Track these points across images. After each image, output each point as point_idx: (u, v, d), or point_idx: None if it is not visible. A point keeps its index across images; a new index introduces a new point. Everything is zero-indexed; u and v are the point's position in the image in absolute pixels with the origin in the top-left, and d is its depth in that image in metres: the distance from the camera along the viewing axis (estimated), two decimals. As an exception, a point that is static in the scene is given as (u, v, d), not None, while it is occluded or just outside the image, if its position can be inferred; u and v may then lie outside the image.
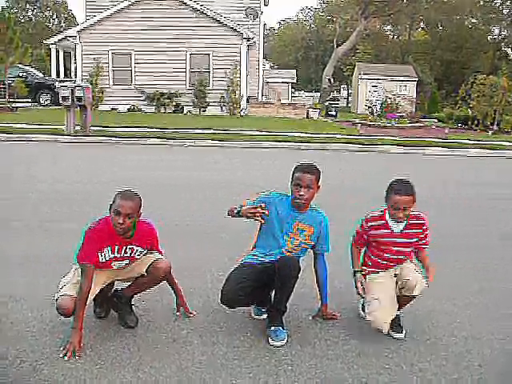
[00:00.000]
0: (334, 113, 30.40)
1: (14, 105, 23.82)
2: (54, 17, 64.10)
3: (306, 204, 3.85)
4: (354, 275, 3.98)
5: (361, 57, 48.29)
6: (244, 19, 27.88)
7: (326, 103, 34.02)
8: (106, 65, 25.97)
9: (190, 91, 25.95)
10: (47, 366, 3.26)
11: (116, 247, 3.65)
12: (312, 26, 69.51)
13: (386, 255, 3.91)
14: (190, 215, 7.23)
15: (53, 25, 63.03)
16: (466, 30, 48.12)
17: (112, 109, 25.55)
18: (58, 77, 29.69)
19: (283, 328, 3.76)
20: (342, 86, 61.38)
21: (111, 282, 3.95)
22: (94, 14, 26.50)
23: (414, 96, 36.39)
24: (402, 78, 36.97)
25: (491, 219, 7.81)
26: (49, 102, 26.91)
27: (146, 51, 25.67)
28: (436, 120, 29.61)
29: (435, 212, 7.89)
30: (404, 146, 16.52)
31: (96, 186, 8.95)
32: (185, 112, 25.83)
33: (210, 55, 25.91)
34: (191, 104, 25.98)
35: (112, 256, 3.67)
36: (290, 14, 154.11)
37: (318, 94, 43.88)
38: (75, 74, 27.69)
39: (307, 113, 27.24)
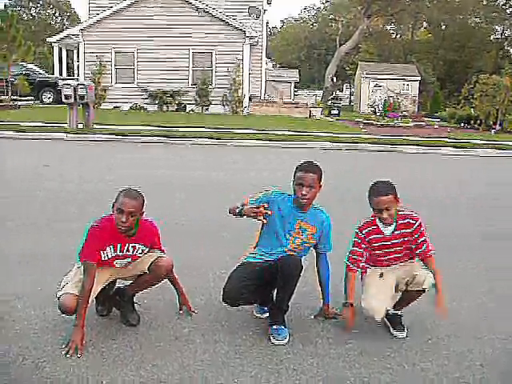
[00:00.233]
0: (336, 112, 30.40)
1: (16, 103, 23.85)
2: (57, 15, 64.22)
3: (309, 203, 3.85)
4: (345, 305, 3.90)
5: (363, 56, 48.31)
6: (247, 18, 27.86)
7: (329, 102, 34.02)
8: (109, 63, 25.99)
9: (193, 90, 25.96)
10: (49, 364, 3.27)
11: (118, 245, 3.65)
12: (315, 25, 69.54)
13: (382, 258, 3.94)
14: (191, 214, 7.23)
15: (56, 23, 63.16)
16: (469, 29, 48.07)
17: (114, 107, 25.57)
18: (61, 75, 29.73)
19: (285, 327, 3.76)
20: (345, 85, 61.33)
21: (113, 280, 3.96)
22: (96, 12, 26.50)
23: (417, 95, 36.40)
24: (404, 77, 36.98)
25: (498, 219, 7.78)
26: (51, 100, 26.93)
27: (149, 49, 25.68)
28: (439, 119, 29.63)
29: (439, 212, 7.91)
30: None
31: (99, 184, 8.96)
32: (187, 110, 25.84)
33: (213, 54, 25.91)
34: (194, 102, 25.99)
35: (114, 254, 3.68)
36: (292, 12, 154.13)
37: (321, 92, 43.85)
38: (78, 72, 27.73)
39: (310, 112, 27.24)
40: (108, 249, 3.63)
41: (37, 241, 5.75)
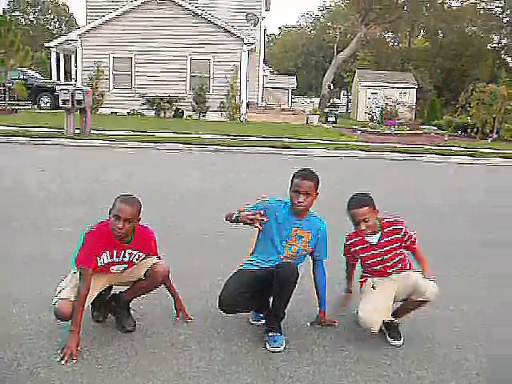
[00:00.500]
0: (333, 119, 30.45)
1: (14, 107, 23.83)
2: (55, 20, 64.27)
3: (305, 210, 3.86)
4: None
5: (361, 63, 48.38)
6: (245, 25, 27.93)
7: (326, 109, 34.07)
8: (107, 68, 26.03)
9: (190, 96, 25.99)
10: (44, 370, 3.25)
11: (115, 251, 3.64)
12: (312, 32, 69.70)
13: (375, 268, 3.97)
14: (187, 221, 7.23)
15: (54, 28, 63.22)
16: (466, 37, 48.20)
17: (112, 112, 25.58)
18: (59, 80, 29.73)
19: (281, 334, 3.76)
20: (342, 93, 61.46)
21: (109, 286, 3.95)
22: (95, 17, 26.55)
23: (414, 103, 36.45)
24: (401, 85, 37.04)
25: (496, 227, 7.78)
26: (49, 105, 26.93)
27: (147, 55, 25.73)
28: (435, 127, 29.69)
29: (436, 219, 7.92)
30: (404, 152, 16.52)
31: (96, 189, 8.94)
32: (185, 117, 25.86)
33: (211, 60, 25.97)
34: (191, 109, 26.02)
35: (110, 260, 3.67)
36: (290, 20, 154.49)
37: (318, 100, 43.93)
38: (75, 78, 27.74)
39: (307, 119, 27.29)
40: (104, 254, 3.62)
41: (35, 243, 5.74)
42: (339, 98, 59.59)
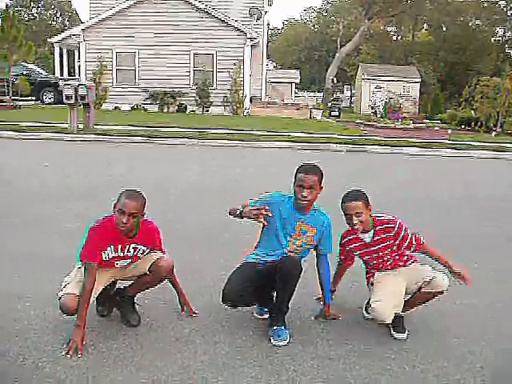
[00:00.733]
0: (337, 113, 30.40)
1: (17, 103, 23.86)
2: (58, 15, 64.22)
3: (309, 205, 3.86)
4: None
5: (364, 57, 48.27)
6: (248, 19, 27.86)
7: (329, 103, 34.02)
8: (110, 63, 25.99)
9: (194, 91, 25.96)
10: (49, 364, 3.27)
11: (119, 246, 3.65)
12: (316, 26, 69.51)
13: (373, 262, 4.01)
14: (191, 215, 7.24)
15: (57, 23, 63.17)
16: (469, 31, 48.02)
17: (115, 107, 25.59)
18: (62, 75, 29.74)
19: (285, 328, 3.76)
20: (346, 87, 61.33)
21: (114, 281, 3.96)
22: (98, 12, 26.51)
23: (418, 97, 36.35)
24: (405, 79, 36.92)
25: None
26: (52, 100, 26.95)
27: (150, 50, 25.68)
28: (439, 121, 29.62)
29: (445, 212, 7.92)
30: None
31: (100, 184, 8.96)
32: (188, 111, 25.85)
33: (214, 55, 25.92)
34: (194, 103, 26.00)
35: (115, 255, 3.68)
36: (293, 14, 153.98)
37: (322, 94, 43.84)
38: (79, 73, 27.74)
39: (310, 113, 27.24)
40: (109, 249, 3.63)
41: (35, 240, 5.75)
42: (342, 92, 59.50)
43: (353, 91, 51.02)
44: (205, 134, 16.68)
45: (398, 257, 3.96)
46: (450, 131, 22.09)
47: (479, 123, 24.32)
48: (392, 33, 56.67)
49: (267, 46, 31.24)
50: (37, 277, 4.63)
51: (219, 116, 24.26)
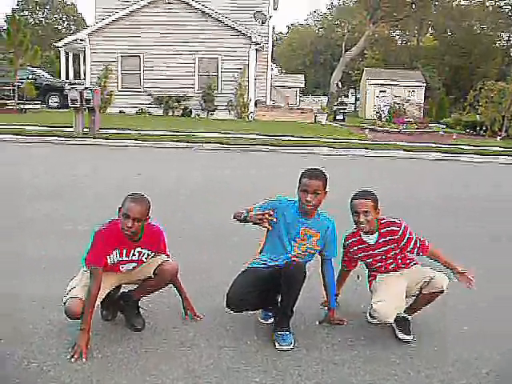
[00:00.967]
0: (341, 117, 30.41)
1: (23, 107, 23.93)
2: (64, 19, 64.47)
3: (313, 210, 3.86)
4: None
5: (369, 62, 48.30)
6: (253, 23, 27.91)
7: (334, 108, 34.02)
8: (115, 68, 26.07)
9: (199, 95, 26.00)
10: (54, 368, 3.27)
11: (124, 250, 3.66)
12: (320, 30, 69.58)
13: (376, 265, 4.02)
14: (195, 219, 7.24)
15: (62, 27, 63.43)
16: (474, 35, 48.01)
17: (120, 111, 25.64)
18: (67, 79, 29.83)
19: (290, 332, 3.76)
20: (350, 91, 61.31)
21: (118, 285, 3.96)
22: (103, 17, 26.60)
23: (422, 101, 36.34)
24: (410, 84, 36.95)
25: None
26: (58, 104, 27.03)
27: (155, 54, 25.75)
28: (444, 125, 29.59)
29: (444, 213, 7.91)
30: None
31: (106, 188, 8.97)
32: (193, 115, 25.89)
33: (219, 59, 25.96)
34: (199, 107, 26.04)
35: (120, 259, 3.69)
36: (298, 18, 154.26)
37: (326, 98, 43.86)
38: (84, 77, 27.82)
39: (315, 117, 27.25)
40: (114, 253, 3.64)
41: (41, 244, 5.76)
42: (347, 97, 59.44)
43: (357, 95, 51.04)
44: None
45: (400, 260, 3.97)
46: (454, 136, 22.06)
47: (484, 127, 24.28)
48: (397, 37, 56.70)
49: (272, 50, 31.25)
50: (42, 280, 4.63)
51: (226, 120, 24.27)
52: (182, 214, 7.45)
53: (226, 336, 3.82)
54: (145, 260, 3.80)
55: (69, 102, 15.79)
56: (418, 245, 3.94)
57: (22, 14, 52.83)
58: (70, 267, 4.11)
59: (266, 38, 28.16)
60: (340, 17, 59.50)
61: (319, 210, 3.93)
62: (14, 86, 23.53)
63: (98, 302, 3.62)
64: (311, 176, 3.80)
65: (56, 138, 15.41)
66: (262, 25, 28.19)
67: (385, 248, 3.92)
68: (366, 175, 11.65)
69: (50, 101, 27.43)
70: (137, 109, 25.81)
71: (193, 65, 26.08)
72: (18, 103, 23.77)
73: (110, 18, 25.77)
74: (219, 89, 26.05)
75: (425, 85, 37.64)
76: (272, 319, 3.96)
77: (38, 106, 26.84)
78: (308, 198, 3.76)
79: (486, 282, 5.19)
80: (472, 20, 48.48)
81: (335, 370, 3.43)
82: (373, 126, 24.89)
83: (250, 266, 3.97)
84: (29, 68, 26.66)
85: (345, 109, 33.70)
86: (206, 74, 26.02)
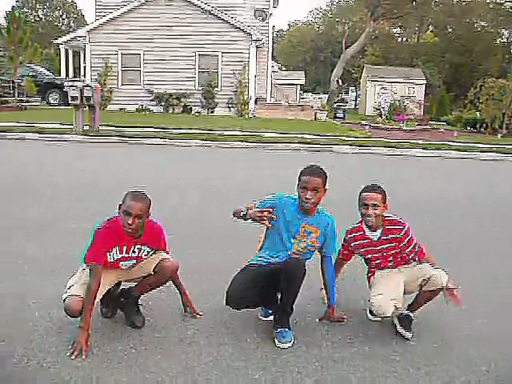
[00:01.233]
0: (341, 115, 30.40)
1: (23, 104, 23.94)
2: (64, 17, 64.47)
3: (313, 207, 3.86)
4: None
5: (369, 59, 48.26)
6: (253, 20, 27.88)
7: (334, 105, 34.02)
8: (115, 65, 26.07)
9: (199, 92, 26.00)
10: (54, 365, 3.27)
11: (124, 247, 3.66)
12: (321, 27, 69.48)
13: (376, 261, 4.04)
14: (197, 216, 7.24)
15: (62, 25, 63.41)
16: (475, 32, 47.97)
17: (120, 109, 25.64)
18: (67, 76, 29.84)
19: (289, 329, 3.76)
20: (351, 88, 61.28)
21: (118, 282, 3.96)
22: (103, 14, 26.61)
23: (423, 99, 36.32)
24: (410, 81, 36.92)
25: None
26: (58, 101, 27.04)
27: (155, 51, 25.75)
28: (444, 123, 29.57)
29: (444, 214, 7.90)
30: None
31: (105, 185, 8.97)
32: (193, 113, 25.88)
33: (219, 56, 25.95)
34: (199, 105, 26.03)
35: (120, 256, 3.69)
36: (299, 15, 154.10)
37: (327, 95, 43.84)
38: (84, 74, 27.83)
39: (315, 114, 27.24)
40: (114, 250, 3.64)
41: (40, 242, 5.76)
42: (347, 94, 59.43)
43: (358, 93, 51.01)
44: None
45: (400, 258, 3.99)
46: (455, 133, 22.03)
47: (484, 125, 24.26)
48: (397, 34, 56.65)
49: (272, 47, 31.24)
50: (41, 278, 4.63)
51: (228, 117, 24.26)
52: (180, 210, 7.45)
53: (225, 333, 3.82)
54: (144, 257, 3.79)
55: (69, 99, 15.78)
56: (416, 249, 3.99)
57: (21, 11, 52.69)
58: (71, 266, 4.11)
59: (267, 36, 28.15)
60: (340, 14, 59.36)
61: (319, 207, 3.93)
62: (14, 84, 23.53)
63: (97, 300, 3.62)
64: (311, 173, 3.80)
65: (55, 135, 15.40)
66: (263, 22, 28.16)
67: (386, 246, 3.93)
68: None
69: (50, 98, 27.45)
70: (137, 106, 25.80)
71: (193, 62, 26.07)
72: (18, 100, 23.78)
73: (109, 14, 25.78)
74: (219, 86, 26.05)
75: (425, 82, 37.61)
76: (272, 316, 3.95)
77: (38, 104, 26.86)
78: (308, 196, 3.76)
79: (484, 283, 5.21)
80: (473, 17, 48.40)
81: (335, 367, 3.43)
82: (375, 124, 24.84)
83: (249, 263, 3.97)
84: (29, 65, 26.66)
85: (345, 106, 33.71)
86: (207, 71, 26.00)
